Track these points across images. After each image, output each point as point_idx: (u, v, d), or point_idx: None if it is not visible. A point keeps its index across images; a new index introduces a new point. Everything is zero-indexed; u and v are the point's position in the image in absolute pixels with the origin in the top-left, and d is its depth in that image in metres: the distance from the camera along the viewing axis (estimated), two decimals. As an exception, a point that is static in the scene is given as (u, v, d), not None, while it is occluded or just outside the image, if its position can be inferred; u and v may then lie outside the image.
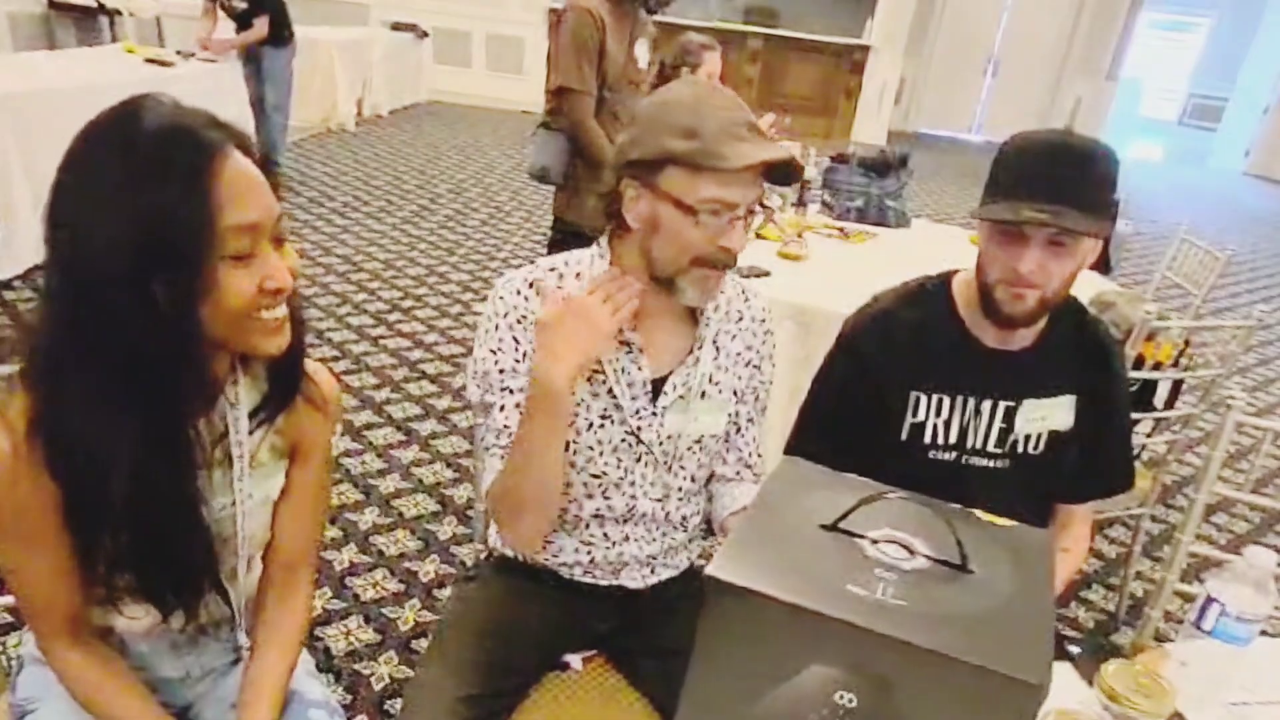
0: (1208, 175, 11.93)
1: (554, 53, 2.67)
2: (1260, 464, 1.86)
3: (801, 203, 2.96)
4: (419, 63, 9.64)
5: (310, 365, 1.12)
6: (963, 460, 1.47)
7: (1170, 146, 13.64)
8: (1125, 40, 11.34)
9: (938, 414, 1.46)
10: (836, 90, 9.99)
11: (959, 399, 1.45)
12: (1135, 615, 2.58)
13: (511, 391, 1.32)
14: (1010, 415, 1.45)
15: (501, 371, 1.32)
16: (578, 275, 1.34)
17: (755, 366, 1.45)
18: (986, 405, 1.45)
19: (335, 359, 3.71)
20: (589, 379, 1.33)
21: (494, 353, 1.32)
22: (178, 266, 0.87)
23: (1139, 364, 2.30)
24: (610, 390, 1.33)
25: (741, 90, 9.43)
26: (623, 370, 1.33)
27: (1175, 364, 2.41)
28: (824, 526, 0.86)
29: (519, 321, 1.31)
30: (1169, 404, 2.49)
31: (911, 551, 0.84)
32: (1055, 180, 1.26)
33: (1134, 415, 1.90)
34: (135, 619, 1.08)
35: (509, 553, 1.48)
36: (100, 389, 0.90)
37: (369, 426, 3.22)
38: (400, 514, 2.73)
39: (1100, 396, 1.49)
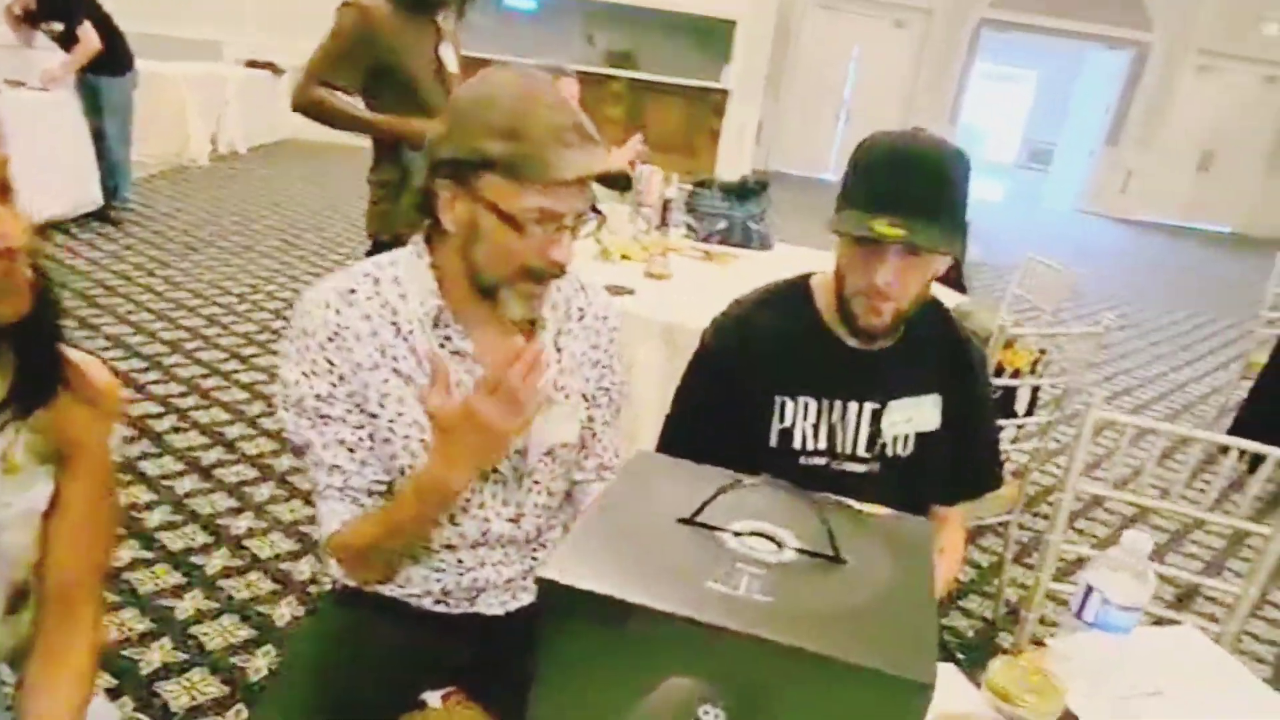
0: (1043, 214, 12.70)
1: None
2: (1121, 460, 1.88)
3: (664, 223, 2.91)
4: (277, 100, 9.32)
5: (79, 356, 0.97)
6: (833, 465, 1.42)
7: (1011, 187, 14.52)
8: (962, 89, 12.10)
9: (805, 418, 1.40)
10: (699, 131, 10.19)
11: (825, 402, 1.40)
12: (1013, 621, 2.59)
13: (330, 421, 1.18)
14: (877, 417, 1.41)
15: (318, 398, 1.17)
16: (395, 279, 1.21)
17: (605, 367, 1.35)
18: (853, 407, 1.41)
19: (183, 394, 3.48)
20: (421, 396, 1.19)
21: (306, 376, 1.17)
22: None
23: (999, 371, 2.32)
24: None
25: (605, 130, 9.48)
26: (457, 385, 1.20)
27: (1032, 371, 2.45)
28: (680, 520, 0.75)
29: (330, 339, 1.17)
30: (1029, 411, 2.54)
31: (779, 544, 0.75)
32: (906, 192, 1.22)
33: (998, 422, 1.89)
34: None
35: (352, 583, 1.33)
36: None
37: (219, 464, 3.00)
38: (254, 555, 2.53)
39: (964, 394, 1.47)
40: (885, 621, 0.67)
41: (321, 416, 1.18)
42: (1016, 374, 2.40)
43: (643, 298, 2.53)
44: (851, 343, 1.39)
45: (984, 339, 2.25)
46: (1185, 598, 2.89)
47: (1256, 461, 3.08)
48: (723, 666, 0.64)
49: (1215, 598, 2.90)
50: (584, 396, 1.33)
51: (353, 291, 1.18)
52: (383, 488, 1.23)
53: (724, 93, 10.19)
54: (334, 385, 1.17)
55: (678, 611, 0.62)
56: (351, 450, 1.19)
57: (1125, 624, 1.11)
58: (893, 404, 1.41)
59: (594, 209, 1.19)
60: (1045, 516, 3.27)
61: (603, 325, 1.35)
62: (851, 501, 0.86)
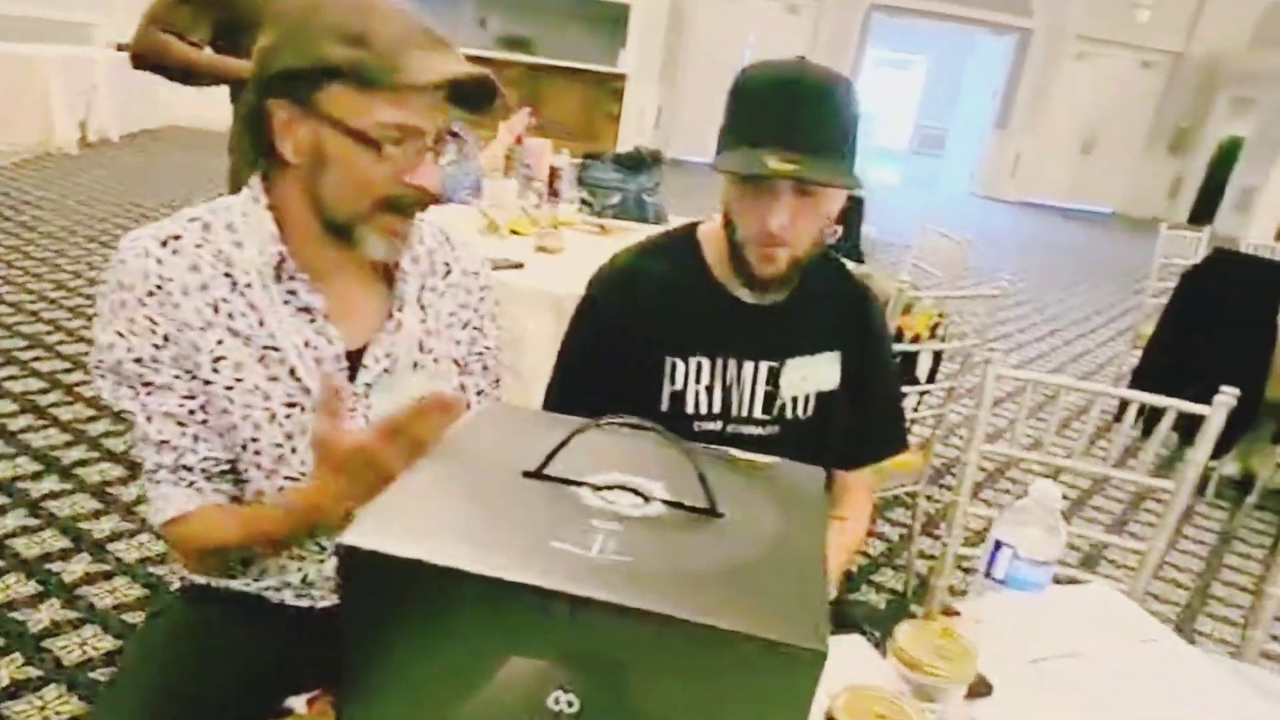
0: (938, 197, 12.99)
1: None
2: (1021, 430, 1.84)
3: (553, 192, 2.78)
4: (152, 86, 8.82)
5: None
6: (729, 430, 1.32)
7: (906, 172, 14.83)
8: (855, 75, 12.26)
9: (697, 380, 1.30)
10: (599, 115, 10.09)
11: (719, 362, 1.30)
12: (925, 594, 2.55)
13: (154, 389, 1.02)
14: (774, 377, 1.32)
15: (138, 362, 1.01)
16: (229, 226, 1.05)
17: (476, 329, 1.22)
18: (749, 367, 1.31)
19: (43, 391, 3.20)
20: (261, 359, 1.04)
21: (123, 336, 1.01)
22: None
23: (898, 337, 2.27)
24: (293, 371, 1.05)
25: (501, 114, 9.34)
26: (305, 344, 1.06)
27: (932, 336, 2.41)
28: (527, 474, 0.62)
29: (151, 294, 1.00)
30: (930, 379, 2.49)
31: (645, 497, 0.62)
32: (797, 124, 1.13)
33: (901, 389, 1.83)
34: None
35: (200, 579, 1.18)
36: None
37: (81, 463, 2.76)
38: (119, 560, 2.32)
39: (864, 351, 1.39)
40: (768, 581, 0.55)
41: (145, 384, 1.02)
42: (916, 339, 2.35)
43: (533, 270, 2.41)
44: (744, 296, 1.29)
45: (882, 303, 2.19)
46: (1088, 562, 2.91)
47: (1149, 426, 3.13)
48: (573, 643, 0.51)
49: (1116, 560, 2.93)
50: (455, 362, 1.20)
51: (177, 238, 1.03)
52: (223, 467, 1.08)
53: (621, 77, 10.09)
54: (157, 347, 1.01)
55: (505, 576, 0.49)
56: (182, 424, 1.04)
57: (1038, 580, 1.03)
58: (790, 362, 1.32)
59: (452, 133, 1.06)
60: (951, 488, 3.27)
61: (472, 282, 1.22)
62: (735, 451, 0.74)
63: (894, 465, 2.29)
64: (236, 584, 1.16)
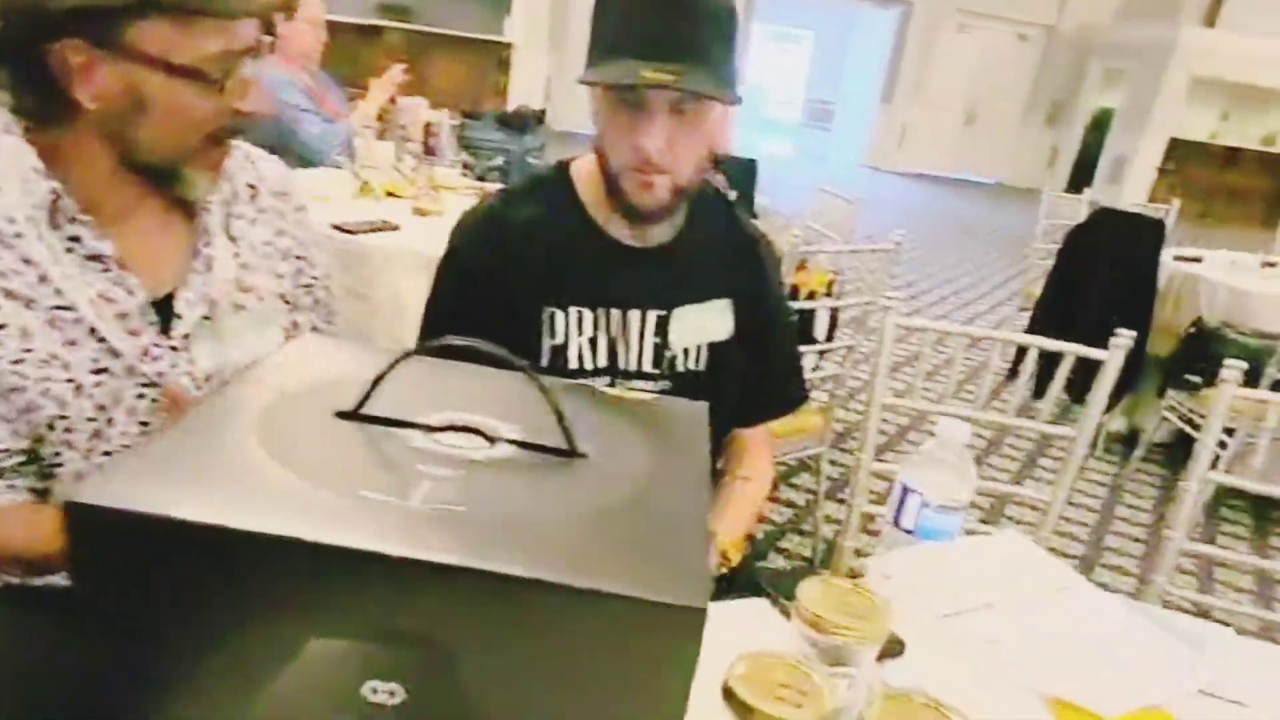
0: (829, 169, 13.13)
1: None
2: (920, 387, 1.79)
3: (429, 151, 2.62)
4: None
5: None
6: (617, 385, 1.20)
7: (798, 145, 14.96)
8: (744, 48, 12.27)
9: (580, 332, 1.19)
10: (486, 87, 9.80)
11: (601, 311, 1.19)
12: (832, 557, 2.52)
13: None
14: (663, 326, 1.21)
15: None
16: None
17: (299, 258, 1.10)
18: (635, 317, 1.20)
19: None
20: (51, 322, 0.88)
21: None
22: None
23: (794, 294, 2.20)
24: (94, 331, 0.90)
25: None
26: (101, 299, 0.90)
27: (828, 294, 2.35)
28: (341, 414, 0.50)
29: None
30: (828, 338, 2.44)
31: (490, 439, 0.51)
32: (671, 32, 1.02)
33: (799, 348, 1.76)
34: None
35: (14, 580, 1.01)
36: None
37: None
38: None
39: (756, 298, 1.29)
40: (636, 530, 0.44)
41: None
42: (811, 296, 2.28)
43: (409, 233, 2.30)
44: (625, 239, 1.18)
45: (778, 259, 2.12)
46: (989, 519, 2.93)
47: (1041, 387, 3.16)
48: (388, 617, 0.39)
49: (1014, 516, 2.95)
50: (282, 298, 1.07)
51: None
52: (18, 459, 0.92)
53: (508, 46, 9.83)
54: None
55: (278, 532, 0.37)
56: None
57: (948, 528, 0.96)
58: (679, 311, 1.21)
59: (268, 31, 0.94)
60: (853, 452, 3.25)
61: (285, 205, 1.09)
62: (605, 388, 0.63)
63: (795, 428, 2.23)
64: (56, 579, 0.99)
